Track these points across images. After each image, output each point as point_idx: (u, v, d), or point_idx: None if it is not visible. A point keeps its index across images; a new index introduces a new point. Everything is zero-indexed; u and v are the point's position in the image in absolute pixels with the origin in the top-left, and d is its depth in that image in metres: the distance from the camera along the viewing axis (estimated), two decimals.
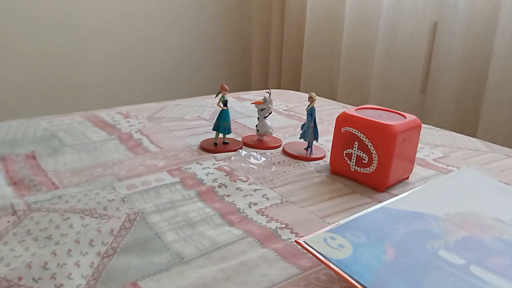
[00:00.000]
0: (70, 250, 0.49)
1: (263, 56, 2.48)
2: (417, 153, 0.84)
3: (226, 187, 0.67)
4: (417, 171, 0.77)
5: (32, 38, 1.86)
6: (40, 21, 1.86)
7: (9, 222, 0.55)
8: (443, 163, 0.82)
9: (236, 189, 0.67)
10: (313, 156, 0.80)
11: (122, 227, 0.54)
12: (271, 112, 0.87)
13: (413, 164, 0.73)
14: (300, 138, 0.82)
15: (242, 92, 1.34)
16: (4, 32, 1.79)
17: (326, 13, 2.06)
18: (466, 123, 1.64)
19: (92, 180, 0.67)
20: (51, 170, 0.71)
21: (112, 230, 0.53)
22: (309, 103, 0.78)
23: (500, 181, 0.68)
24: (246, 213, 0.60)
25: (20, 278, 0.45)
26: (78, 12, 1.94)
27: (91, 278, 0.46)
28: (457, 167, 0.79)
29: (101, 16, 2.01)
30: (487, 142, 0.96)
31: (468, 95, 1.61)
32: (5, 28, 1.79)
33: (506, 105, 1.48)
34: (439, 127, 1.22)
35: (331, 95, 2.07)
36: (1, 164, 0.72)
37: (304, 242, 0.46)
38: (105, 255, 0.49)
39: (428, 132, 1.01)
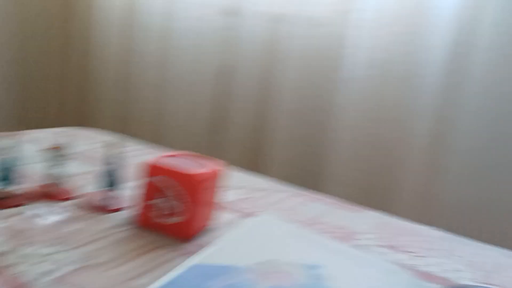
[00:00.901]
0: None
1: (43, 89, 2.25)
2: (220, 197, 0.87)
3: (9, 254, 0.56)
4: (220, 216, 0.80)
5: None
6: None
7: None
8: (243, 206, 0.87)
9: (23, 256, 0.56)
10: (114, 207, 0.75)
11: None
12: (65, 157, 0.78)
13: (215, 209, 0.75)
14: (98, 187, 0.76)
15: (23, 132, 1.17)
16: None
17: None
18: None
19: None
20: None
21: None
22: (108, 147, 0.73)
23: (295, 224, 0.75)
24: (39, 285, 0.51)
25: None
26: None
27: None
28: (258, 211, 0.85)
29: None
30: (275, 181, 1.07)
31: (256, 135, 1.79)
32: None
33: (285, 142, 1.69)
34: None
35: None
36: None
37: None
38: None
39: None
